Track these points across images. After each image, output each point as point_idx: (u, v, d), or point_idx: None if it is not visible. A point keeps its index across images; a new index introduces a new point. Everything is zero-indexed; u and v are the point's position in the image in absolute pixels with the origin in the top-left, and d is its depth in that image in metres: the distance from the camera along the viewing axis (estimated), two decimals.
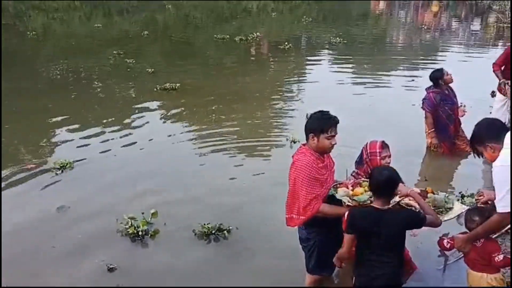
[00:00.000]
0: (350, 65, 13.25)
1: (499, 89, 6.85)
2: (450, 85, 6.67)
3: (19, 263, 4.62)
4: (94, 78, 11.47)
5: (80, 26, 20.10)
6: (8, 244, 4.84)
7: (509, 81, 6.58)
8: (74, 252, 4.80)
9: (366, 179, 3.81)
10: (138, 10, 24.24)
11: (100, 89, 10.60)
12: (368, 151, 4.01)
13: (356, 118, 7.82)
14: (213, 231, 4.99)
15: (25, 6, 23.99)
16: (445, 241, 3.72)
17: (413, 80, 10.99)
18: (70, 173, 6.50)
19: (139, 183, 6.14)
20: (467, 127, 6.66)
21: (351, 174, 4.11)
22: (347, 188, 3.73)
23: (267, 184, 6.00)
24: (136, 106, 9.52)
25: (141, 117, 8.83)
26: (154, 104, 9.57)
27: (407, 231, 3.33)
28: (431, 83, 6.69)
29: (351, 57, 14.21)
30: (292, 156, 3.71)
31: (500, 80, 6.75)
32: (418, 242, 4.47)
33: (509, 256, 3.49)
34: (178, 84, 10.28)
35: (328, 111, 3.65)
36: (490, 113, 7.61)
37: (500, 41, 15.72)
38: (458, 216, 3.73)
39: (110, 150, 7.27)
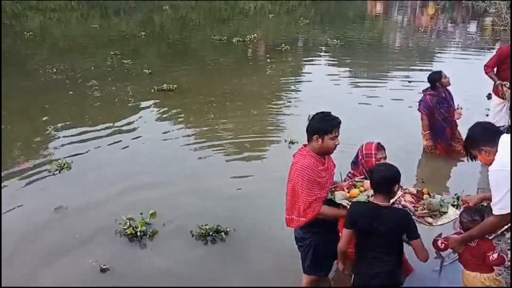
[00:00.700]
0: (347, 67, 13.28)
1: (496, 92, 6.84)
2: (448, 87, 6.70)
3: (15, 263, 4.60)
4: (91, 79, 11.44)
5: (77, 27, 20.06)
6: (5, 244, 4.83)
7: (506, 83, 6.57)
8: (70, 252, 4.79)
9: (359, 180, 3.83)
10: (135, 10, 24.21)
11: (97, 90, 10.57)
12: (364, 153, 4.04)
13: (353, 119, 7.82)
14: (210, 233, 4.99)
15: (22, 6, 23.93)
16: (439, 241, 3.74)
17: (410, 82, 11.01)
18: (68, 173, 6.49)
19: (138, 184, 6.14)
20: (464, 129, 6.68)
21: (347, 175, 4.12)
22: (343, 190, 3.75)
23: (266, 185, 5.97)
24: (133, 106, 9.51)
25: (139, 117, 8.82)
26: (151, 105, 9.56)
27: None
28: (427, 85, 6.72)
29: (348, 59, 14.23)
30: (293, 156, 3.71)
31: (496, 82, 6.75)
32: None
33: (503, 255, 3.51)
34: (175, 85, 10.28)
35: (329, 112, 3.64)
36: (487, 115, 7.64)
37: (497, 44, 15.76)
38: (454, 221, 3.75)
39: (108, 150, 7.28)
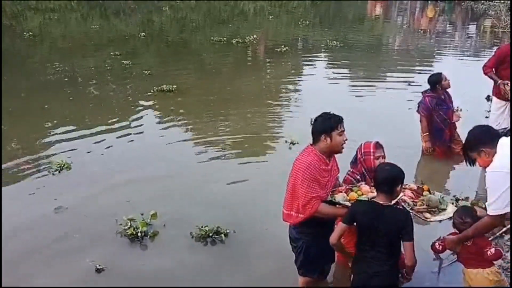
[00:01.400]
0: (347, 68, 13.30)
1: (497, 91, 6.75)
2: (447, 90, 6.71)
3: (13, 263, 4.60)
4: (90, 79, 11.44)
5: (76, 27, 20.05)
6: (5, 244, 4.83)
7: (508, 82, 6.50)
8: (70, 252, 4.79)
9: (356, 185, 3.84)
10: (135, 11, 24.22)
11: (96, 90, 10.57)
12: (362, 151, 4.11)
13: (353, 120, 7.78)
14: (210, 234, 4.98)
15: (22, 7, 23.93)
16: (436, 244, 3.78)
17: (409, 84, 11.03)
18: (68, 173, 6.49)
19: (137, 184, 6.14)
20: (463, 131, 6.69)
21: (347, 173, 4.17)
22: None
23: (267, 187, 5.95)
24: (133, 107, 9.51)
25: (138, 118, 8.82)
26: (151, 105, 9.56)
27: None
28: (427, 87, 6.73)
29: (347, 60, 14.24)
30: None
31: (497, 82, 6.66)
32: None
33: (499, 248, 3.61)
34: (174, 86, 10.27)
35: (329, 112, 3.69)
36: (486, 117, 7.64)
37: (496, 46, 15.79)
38: (451, 218, 3.77)
39: (107, 151, 7.27)
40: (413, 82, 11.03)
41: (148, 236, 5.03)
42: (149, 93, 10.09)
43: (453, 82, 6.79)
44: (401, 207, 3.57)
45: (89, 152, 7.20)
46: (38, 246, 4.90)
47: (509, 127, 6.68)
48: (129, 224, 5.07)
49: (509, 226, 4.69)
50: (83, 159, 6.91)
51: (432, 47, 17.01)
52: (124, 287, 4.34)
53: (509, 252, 4.61)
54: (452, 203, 3.80)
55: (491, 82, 6.86)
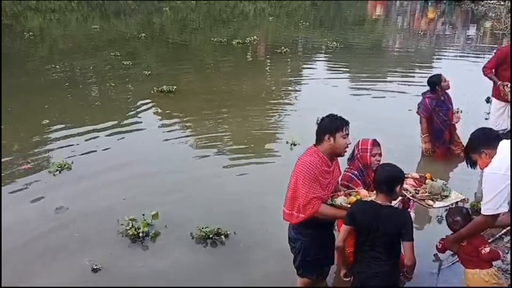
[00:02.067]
0: (347, 69, 13.31)
1: (497, 93, 6.75)
2: (447, 91, 6.71)
3: (13, 263, 4.61)
4: (90, 80, 11.48)
5: (77, 28, 20.08)
6: (5, 244, 4.84)
7: (507, 83, 6.50)
8: (70, 252, 4.79)
9: (354, 190, 3.84)
10: (135, 12, 24.25)
11: (96, 91, 10.59)
12: (360, 147, 4.17)
13: (353, 121, 7.81)
14: (210, 235, 4.98)
15: (22, 7, 23.95)
16: (438, 243, 3.80)
17: (409, 85, 11.03)
18: (68, 174, 6.49)
19: (138, 184, 6.15)
20: (463, 133, 6.71)
21: (345, 170, 4.19)
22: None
23: (268, 188, 5.91)
24: (133, 107, 9.52)
25: (138, 118, 8.83)
26: (151, 106, 9.56)
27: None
28: (427, 88, 6.73)
29: (348, 61, 14.26)
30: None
31: (497, 83, 6.66)
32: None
33: (496, 249, 3.65)
34: (174, 87, 10.28)
35: (337, 114, 3.71)
36: (486, 119, 7.65)
37: (496, 47, 15.81)
38: (456, 204, 3.80)
39: (107, 150, 7.28)
40: (413, 83, 11.04)
41: (150, 237, 5.04)
42: (149, 94, 10.09)
43: (453, 83, 6.79)
44: (403, 196, 3.58)
45: (89, 152, 7.20)
46: (38, 246, 4.90)
47: (509, 128, 6.69)
48: (131, 224, 5.07)
49: (508, 228, 4.69)
50: (84, 159, 6.91)
51: (432, 49, 17.03)
52: (123, 287, 4.34)
53: (509, 254, 4.61)
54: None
55: (491, 84, 6.88)
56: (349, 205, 3.55)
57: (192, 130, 8.29)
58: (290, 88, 11.35)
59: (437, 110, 6.62)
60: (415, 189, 3.77)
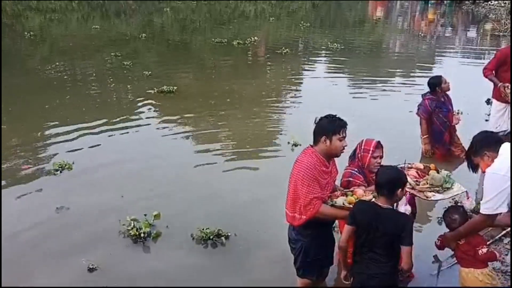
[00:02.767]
0: (348, 70, 13.31)
1: (498, 94, 6.74)
2: (447, 92, 6.72)
3: (13, 263, 4.61)
4: (91, 80, 11.47)
5: (77, 28, 20.09)
6: (5, 244, 4.84)
7: (508, 84, 6.49)
8: (70, 253, 4.79)
9: (350, 190, 3.83)
10: (135, 12, 24.26)
11: (97, 91, 10.59)
12: (363, 147, 4.14)
13: (353, 122, 7.80)
14: (211, 237, 4.97)
15: (22, 6, 23.96)
16: (437, 240, 3.82)
17: (409, 86, 11.04)
18: (69, 173, 6.50)
19: (138, 185, 6.15)
20: (463, 134, 6.72)
21: (345, 168, 4.20)
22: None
23: (269, 189, 5.89)
24: (133, 108, 9.51)
25: (139, 119, 8.83)
26: (151, 107, 9.56)
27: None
28: (427, 90, 6.74)
29: (348, 62, 14.25)
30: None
31: (497, 84, 6.65)
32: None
33: (494, 250, 3.70)
34: (175, 87, 10.28)
35: (335, 115, 3.68)
36: (486, 120, 7.65)
37: (496, 49, 15.82)
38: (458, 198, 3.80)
39: (108, 151, 7.29)
40: (413, 84, 11.05)
41: (151, 237, 5.03)
42: (149, 94, 10.09)
43: (453, 84, 6.80)
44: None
45: (90, 152, 7.21)
46: (38, 245, 4.90)
47: (509, 130, 6.69)
48: (132, 224, 5.07)
49: (508, 229, 4.70)
50: (84, 159, 6.91)
51: (432, 50, 17.03)
52: (123, 287, 4.34)
53: (509, 255, 4.62)
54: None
55: (491, 85, 6.87)
56: (350, 206, 3.55)
57: (193, 130, 8.29)
58: (290, 88, 11.36)
59: (437, 112, 6.63)
60: (416, 181, 3.75)
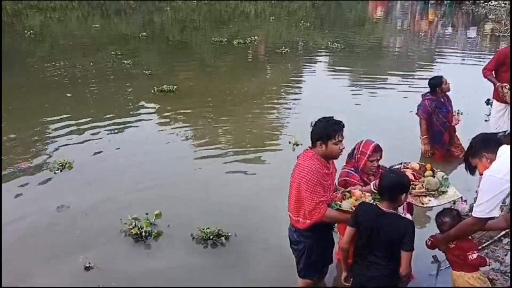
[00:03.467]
0: (348, 70, 13.31)
1: (496, 95, 6.76)
2: (447, 93, 6.72)
3: (13, 263, 4.62)
4: (91, 79, 11.48)
5: (77, 26, 20.08)
6: (5, 244, 4.85)
7: (506, 84, 6.49)
8: (70, 252, 4.79)
9: (347, 190, 3.83)
10: (136, 11, 24.26)
11: (96, 90, 10.59)
12: (360, 149, 4.10)
13: (353, 122, 7.79)
14: (211, 237, 4.96)
15: (23, 5, 23.95)
16: (427, 239, 3.81)
17: (409, 86, 11.05)
18: (69, 172, 6.50)
19: (138, 184, 6.16)
20: (463, 134, 6.72)
21: (342, 168, 4.19)
22: (338, 200, 3.77)
23: (269, 189, 5.89)
24: (133, 107, 9.52)
25: (138, 118, 8.83)
26: (151, 106, 9.57)
27: None
28: (427, 90, 6.74)
29: (348, 62, 14.26)
30: (297, 157, 3.71)
31: (496, 84, 6.63)
32: None
33: (484, 256, 3.67)
34: (175, 86, 10.29)
35: (332, 117, 3.63)
36: (486, 121, 7.65)
37: (496, 49, 15.82)
38: (453, 202, 3.79)
39: (108, 150, 7.29)
40: (413, 84, 11.05)
41: (152, 236, 5.03)
42: (149, 93, 10.10)
43: (453, 85, 6.80)
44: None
45: (90, 151, 7.21)
46: (39, 245, 4.91)
47: (509, 130, 6.69)
48: (134, 223, 5.07)
49: (508, 230, 4.70)
50: (84, 158, 6.91)
51: (432, 50, 17.03)
52: (123, 287, 4.35)
53: (508, 255, 4.62)
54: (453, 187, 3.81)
55: (491, 86, 6.86)
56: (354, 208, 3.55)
57: (193, 130, 8.28)
58: (291, 88, 11.36)
59: (436, 112, 6.64)
60: (412, 184, 3.73)
